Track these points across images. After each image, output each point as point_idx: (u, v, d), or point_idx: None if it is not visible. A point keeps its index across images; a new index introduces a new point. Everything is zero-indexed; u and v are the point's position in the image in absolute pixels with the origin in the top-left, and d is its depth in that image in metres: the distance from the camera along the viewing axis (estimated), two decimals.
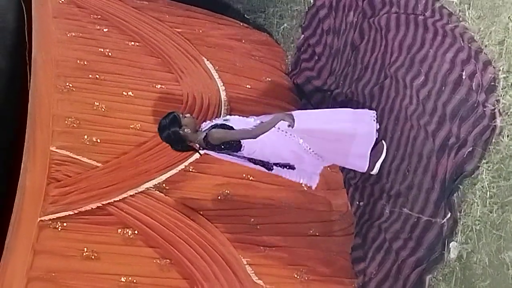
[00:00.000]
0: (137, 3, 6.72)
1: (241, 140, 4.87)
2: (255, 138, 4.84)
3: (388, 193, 5.21)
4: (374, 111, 5.30)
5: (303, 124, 5.05)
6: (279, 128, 4.98)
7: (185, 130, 4.82)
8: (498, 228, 4.22)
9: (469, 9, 4.82)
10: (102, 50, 6.15)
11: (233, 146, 4.90)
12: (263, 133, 4.82)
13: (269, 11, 7.43)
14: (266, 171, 5.13)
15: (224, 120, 4.95)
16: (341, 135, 5.15)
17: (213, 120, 5.02)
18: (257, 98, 6.21)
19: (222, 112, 5.85)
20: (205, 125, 4.97)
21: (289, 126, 4.87)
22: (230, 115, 5.19)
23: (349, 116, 5.24)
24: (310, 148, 5.11)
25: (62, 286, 4.64)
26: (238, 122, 4.93)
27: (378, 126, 5.24)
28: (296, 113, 5.17)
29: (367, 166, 5.28)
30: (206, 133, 4.83)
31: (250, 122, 4.94)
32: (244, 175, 5.62)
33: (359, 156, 5.24)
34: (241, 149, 4.92)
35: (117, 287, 4.77)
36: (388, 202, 5.19)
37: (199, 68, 6.27)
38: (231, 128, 4.86)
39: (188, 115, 4.89)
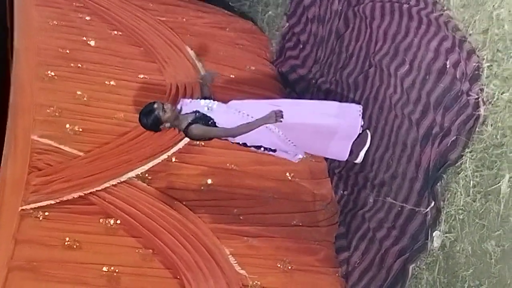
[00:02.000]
0: None
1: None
2: (234, 137, 4.95)
3: (372, 182, 5.21)
4: (361, 106, 5.27)
5: (285, 116, 5.02)
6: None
7: (166, 125, 4.87)
8: (481, 217, 4.21)
9: None
10: (84, 39, 6.14)
11: (212, 138, 5.02)
12: (243, 134, 4.91)
13: None
14: None
15: (208, 108, 4.91)
16: (323, 130, 5.14)
17: (195, 104, 4.97)
18: (241, 87, 6.19)
19: None
20: (186, 107, 4.95)
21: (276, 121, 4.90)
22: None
23: (333, 110, 5.19)
24: (289, 140, 5.11)
25: (44, 276, 4.60)
26: (220, 115, 4.91)
27: (362, 122, 5.22)
28: (279, 103, 5.16)
29: (347, 155, 5.27)
30: (187, 127, 4.85)
31: (230, 112, 4.94)
32: (227, 165, 5.62)
33: (339, 148, 5.25)
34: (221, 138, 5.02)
35: (99, 276, 4.73)
36: (372, 191, 5.19)
37: (182, 58, 6.25)
38: (212, 120, 4.87)
39: (168, 108, 4.83)
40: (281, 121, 4.87)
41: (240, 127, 4.88)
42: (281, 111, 4.87)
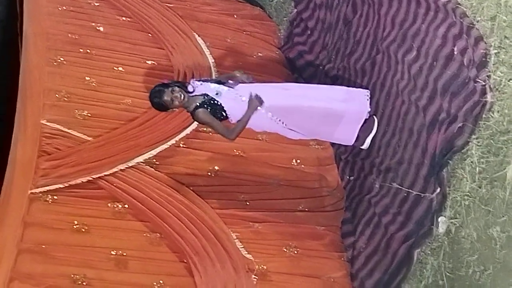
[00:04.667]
0: None
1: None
2: (230, 139, 4.97)
3: (378, 167, 5.22)
4: (368, 90, 5.29)
5: (293, 100, 5.07)
6: (266, 113, 5.01)
7: (174, 110, 4.96)
8: (487, 203, 4.21)
9: None
10: (93, 24, 6.17)
11: None
12: (239, 133, 4.95)
13: None
14: None
15: (217, 93, 4.93)
16: (330, 114, 5.15)
17: (206, 87, 4.98)
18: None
19: None
20: (197, 88, 4.96)
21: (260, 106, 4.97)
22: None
23: (341, 96, 5.21)
24: (294, 130, 5.16)
25: (52, 258, 4.66)
26: (228, 100, 4.92)
27: (370, 108, 5.23)
28: (287, 86, 5.17)
29: (354, 140, 5.28)
30: (194, 110, 4.87)
31: (238, 100, 4.94)
32: (234, 151, 5.64)
33: (346, 133, 5.25)
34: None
35: (107, 260, 4.79)
36: (378, 176, 5.20)
37: (190, 44, 6.27)
38: (220, 105, 4.88)
39: (177, 101, 4.84)
40: (262, 102, 4.94)
41: (236, 128, 4.92)
42: (258, 96, 4.94)
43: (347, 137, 5.30)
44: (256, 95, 4.94)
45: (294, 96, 5.09)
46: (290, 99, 5.07)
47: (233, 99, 4.95)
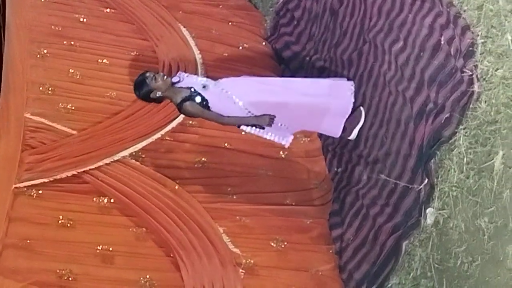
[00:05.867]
0: None
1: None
2: (224, 125, 5.00)
3: (366, 159, 5.20)
4: (352, 82, 5.27)
5: (277, 96, 5.03)
6: (246, 109, 4.93)
7: (157, 94, 4.82)
8: (475, 194, 4.20)
9: None
10: (77, 16, 6.13)
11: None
12: (233, 125, 4.95)
13: None
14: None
15: (204, 87, 4.88)
16: (315, 108, 5.12)
17: (192, 80, 4.94)
18: (234, 65, 6.16)
19: None
20: (182, 80, 4.92)
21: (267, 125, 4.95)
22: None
23: (325, 90, 5.19)
24: (280, 124, 5.07)
25: (37, 254, 4.62)
26: (214, 96, 4.87)
27: (354, 100, 5.20)
28: (271, 81, 5.13)
29: (340, 132, 5.25)
30: (181, 102, 4.82)
31: (224, 96, 4.88)
32: (221, 143, 5.62)
33: (332, 125, 5.23)
34: None
35: (93, 255, 4.75)
36: (366, 168, 5.18)
37: (175, 36, 6.23)
38: (206, 101, 4.83)
39: (159, 77, 4.80)
40: (271, 126, 4.93)
41: (232, 118, 4.91)
42: (274, 116, 4.91)
43: (333, 129, 5.27)
44: (272, 116, 4.92)
45: (276, 92, 5.05)
46: (273, 95, 5.01)
47: (218, 93, 4.90)
